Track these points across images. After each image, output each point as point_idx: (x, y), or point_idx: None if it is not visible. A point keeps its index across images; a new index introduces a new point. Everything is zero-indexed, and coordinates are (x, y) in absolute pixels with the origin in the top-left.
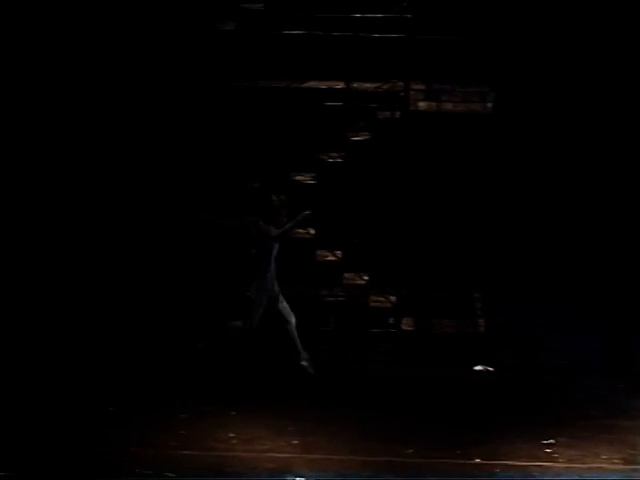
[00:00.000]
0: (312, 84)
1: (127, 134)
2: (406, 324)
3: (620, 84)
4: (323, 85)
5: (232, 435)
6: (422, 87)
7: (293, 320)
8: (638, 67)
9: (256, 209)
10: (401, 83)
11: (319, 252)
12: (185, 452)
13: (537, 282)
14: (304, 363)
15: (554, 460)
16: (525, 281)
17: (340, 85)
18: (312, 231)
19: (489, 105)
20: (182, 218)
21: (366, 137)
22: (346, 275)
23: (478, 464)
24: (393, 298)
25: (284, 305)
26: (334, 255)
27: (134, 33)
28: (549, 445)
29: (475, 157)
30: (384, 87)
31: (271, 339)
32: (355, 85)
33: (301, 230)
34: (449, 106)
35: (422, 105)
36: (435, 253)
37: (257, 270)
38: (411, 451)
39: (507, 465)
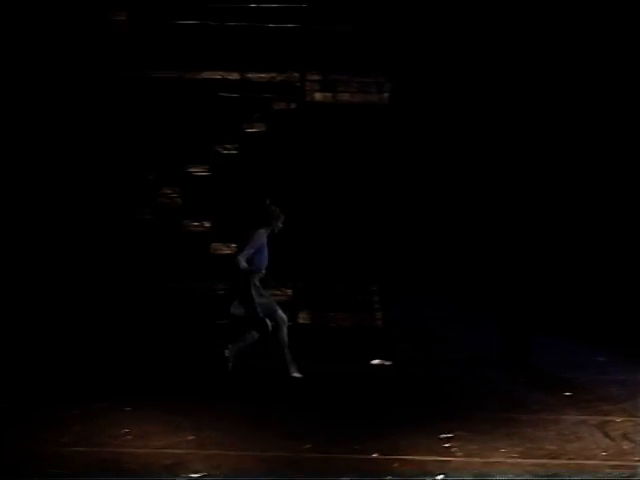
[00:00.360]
0: (206, 75)
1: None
2: (303, 317)
3: (527, 72)
4: (217, 75)
5: (126, 431)
6: (318, 78)
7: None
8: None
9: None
10: (297, 74)
11: (214, 245)
12: (79, 449)
13: (435, 276)
14: (296, 374)
15: (452, 454)
16: (423, 275)
17: (235, 76)
18: (206, 224)
19: (385, 96)
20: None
21: (261, 129)
22: None
23: (376, 459)
24: (289, 291)
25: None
26: (229, 248)
27: (22, 22)
28: (447, 439)
29: (372, 149)
30: (279, 78)
31: (168, 334)
32: (250, 76)
33: (195, 223)
34: (345, 97)
35: (318, 96)
36: (332, 246)
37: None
38: (308, 446)
39: (405, 460)
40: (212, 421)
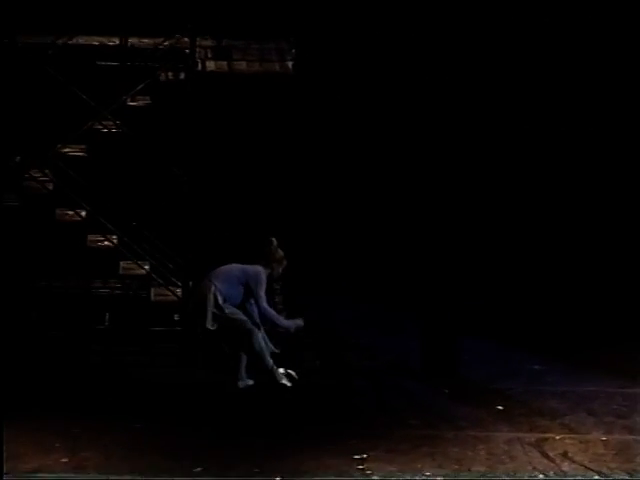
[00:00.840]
0: (82, 40)
1: None
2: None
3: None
4: (95, 41)
5: None
6: (211, 44)
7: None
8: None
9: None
10: (186, 39)
11: (91, 237)
12: None
13: (345, 273)
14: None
15: (367, 477)
16: (332, 272)
17: (115, 41)
18: (82, 212)
19: (289, 64)
20: None
21: (146, 102)
22: (123, 264)
23: None
24: (179, 292)
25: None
26: (109, 240)
27: None
28: (361, 460)
29: (273, 124)
30: (166, 43)
31: (38, 340)
32: (132, 41)
33: (69, 212)
34: (242, 66)
35: (210, 65)
36: (228, 237)
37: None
38: (200, 469)
39: None
40: (90, 440)
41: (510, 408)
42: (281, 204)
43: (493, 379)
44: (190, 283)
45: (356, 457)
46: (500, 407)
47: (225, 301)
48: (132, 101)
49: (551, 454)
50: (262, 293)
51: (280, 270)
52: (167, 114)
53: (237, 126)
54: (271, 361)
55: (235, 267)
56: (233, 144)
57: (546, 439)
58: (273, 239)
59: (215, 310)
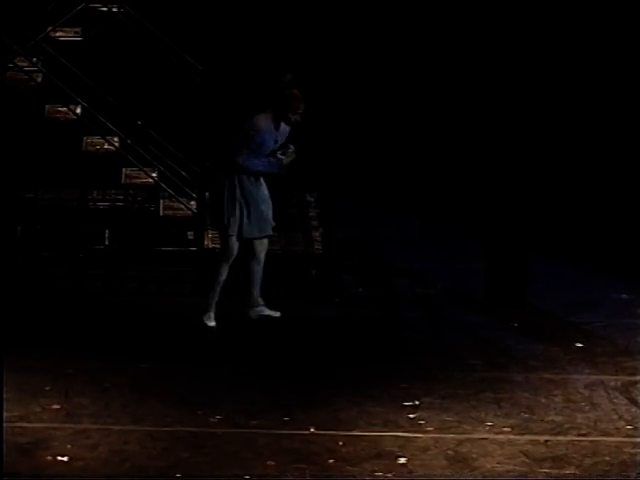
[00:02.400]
0: None
1: None
2: (211, 239)
3: None
4: None
5: None
6: None
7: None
8: None
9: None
10: None
11: (87, 139)
12: None
13: (396, 182)
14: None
15: (420, 429)
16: (379, 180)
17: None
18: (77, 109)
19: None
20: None
21: None
22: (126, 171)
23: (313, 436)
24: (193, 204)
25: None
26: (109, 143)
27: None
28: (412, 408)
29: None
30: None
31: (24, 262)
32: None
33: (61, 108)
34: None
35: None
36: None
37: None
38: (218, 418)
39: (353, 437)
40: (86, 383)
41: (591, 346)
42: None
43: (570, 311)
44: (207, 194)
45: (406, 404)
46: (579, 344)
47: None
48: None
49: None
50: (241, 146)
51: (293, 118)
52: None
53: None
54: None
55: None
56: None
57: (634, 383)
58: (289, 75)
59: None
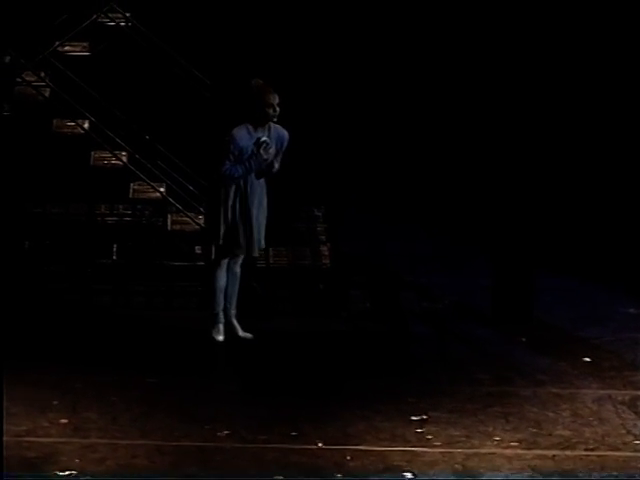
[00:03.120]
0: None
1: None
2: None
3: None
4: None
5: None
6: None
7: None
8: None
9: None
10: None
11: (96, 154)
12: None
13: (404, 195)
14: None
15: (428, 444)
16: (387, 193)
17: None
18: (85, 124)
19: None
20: None
21: None
22: (134, 186)
23: (320, 450)
24: (201, 218)
25: None
26: (117, 157)
27: None
28: (420, 422)
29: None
30: None
31: (31, 277)
32: None
33: (68, 122)
34: None
35: None
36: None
37: None
38: (226, 433)
39: (361, 451)
40: (94, 398)
41: (599, 360)
42: (331, 115)
43: (578, 325)
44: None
45: (414, 419)
46: (587, 359)
47: None
48: None
49: None
50: (222, 157)
51: (271, 112)
52: (188, 4)
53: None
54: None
55: None
56: (268, 38)
57: None
58: (255, 78)
59: None
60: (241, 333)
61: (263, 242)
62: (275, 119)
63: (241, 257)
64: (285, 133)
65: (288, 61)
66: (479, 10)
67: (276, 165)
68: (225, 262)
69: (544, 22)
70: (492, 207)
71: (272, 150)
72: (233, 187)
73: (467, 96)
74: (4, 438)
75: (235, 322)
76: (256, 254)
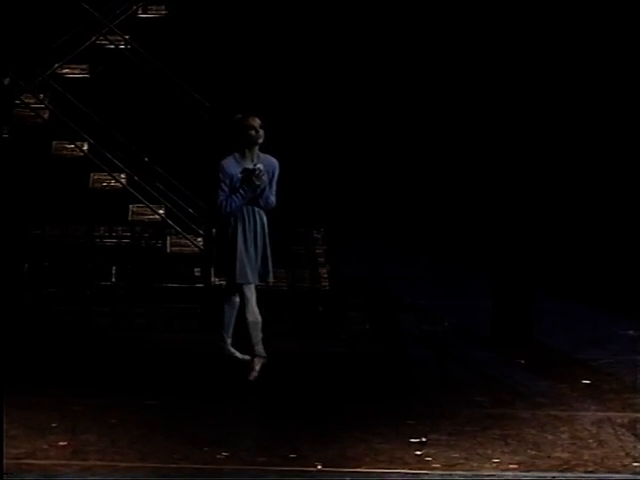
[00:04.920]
0: None
1: None
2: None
3: None
4: None
5: None
6: None
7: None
8: None
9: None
10: None
11: (95, 176)
12: None
13: (403, 219)
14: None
15: (427, 466)
16: (387, 216)
17: None
18: (84, 146)
19: None
20: None
21: (161, 13)
22: (133, 208)
23: (319, 472)
24: (200, 240)
25: None
26: (116, 180)
27: None
28: (420, 444)
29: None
30: None
31: (31, 298)
32: None
33: (67, 145)
34: None
35: None
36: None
37: None
38: (225, 455)
39: (360, 473)
40: (93, 420)
41: (598, 382)
42: (328, 139)
43: (577, 347)
44: (214, 231)
45: (413, 441)
46: (586, 381)
47: None
48: (144, 12)
49: None
50: (216, 190)
51: (254, 135)
52: (186, 27)
53: (272, 42)
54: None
55: None
56: (267, 60)
57: None
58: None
59: None
60: (239, 355)
61: (271, 275)
62: (259, 141)
63: (250, 289)
64: (274, 161)
65: (285, 81)
66: (476, 14)
67: (272, 198)
68: (233, 294)
69: (543, 24)
70: (493, 230)
71: (265, 177)
72: (232, 219)
73: (466, 114)
74: (4, 461)
75: (231, 349)
76: (265, 280)
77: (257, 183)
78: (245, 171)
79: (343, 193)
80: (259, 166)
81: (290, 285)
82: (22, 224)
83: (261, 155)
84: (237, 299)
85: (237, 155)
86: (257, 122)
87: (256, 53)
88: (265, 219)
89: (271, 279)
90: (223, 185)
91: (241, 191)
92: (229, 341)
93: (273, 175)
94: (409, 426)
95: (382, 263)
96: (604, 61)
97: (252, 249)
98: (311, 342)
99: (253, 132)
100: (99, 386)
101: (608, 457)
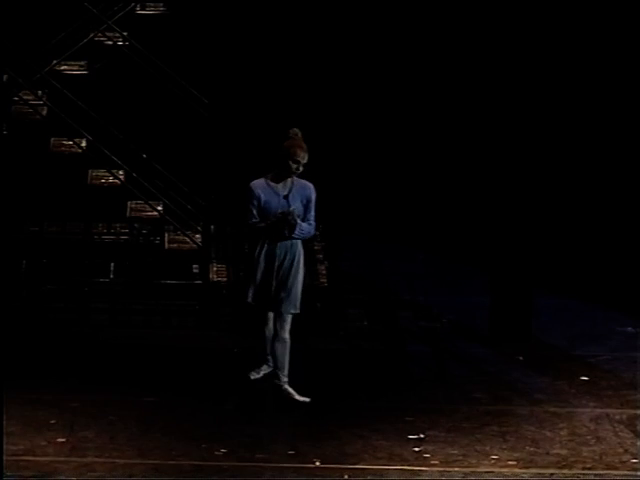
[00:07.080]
0: None
1: None
2: (217, 273)
3: None
4: None
5: None
6: None
7: None
8: None
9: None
10: None
11: (93, 173)
12: None
13: (401, 215)
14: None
15: (425, 463)
16: (384, 213)
17: None
18: (82, 143)
19: None
20: None
21: (159, 10)
22: (131, 205)
23: (318, 468)
24: (198, 237)
25: None
26: (114, 176)
27: None
28: (418, 442)
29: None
30: None
31: (29, 296)
32: None
33: (65, 141)
34: None
35: None
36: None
37: None
38: (223, 451)
39: (359, 470)
40: (92, 417)
41: (596, 379)
42: (326, 133)
43: (575, 344)
44: (212, 228)
45: (411, 437)
46: (584, 378)
47: None
48: (142, 9)
49: None
50: (244, 212)
51: (294, 166)
52: (185, 24)
53: (271, 39)
54: None
55: None
56: (265, 58)
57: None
58: (294, 129)
59: None
60: (298, 397)
61: (298, 305)
62: (297, 173)
63: (286, 321)
64: (310, 186)
65: (284, 78)
66: (475, 15)
67: (307, 227)
68: (267, 318)
69: (543, 24)
70: (490, 226)
71: (298, 212)
72: (260, 241)
73: (464, 111)
74: (3, 457)
75: (289, 388)
76: (286, 312)
77: (292, 222)
78: (282, 214)
79: (342, 189)
80: (293, 208)
81: None
82: (20, 221)
83: (295, 181)
84: (271, 326)
85: (269, 178)
86: (302, 157)
87: (254, 50)
88: (299, 250)
89: (290, 312)
90: (251, 207)
91: (282, 231)
92: (285, 380)
93: (308, 202)
94: (407, 423)
95: (380, 260)
96: (604, 61)
97: (270, 276)
98: (309, 338)
99: (295, 166)
100: (97, 383)
101: (606, 454)
